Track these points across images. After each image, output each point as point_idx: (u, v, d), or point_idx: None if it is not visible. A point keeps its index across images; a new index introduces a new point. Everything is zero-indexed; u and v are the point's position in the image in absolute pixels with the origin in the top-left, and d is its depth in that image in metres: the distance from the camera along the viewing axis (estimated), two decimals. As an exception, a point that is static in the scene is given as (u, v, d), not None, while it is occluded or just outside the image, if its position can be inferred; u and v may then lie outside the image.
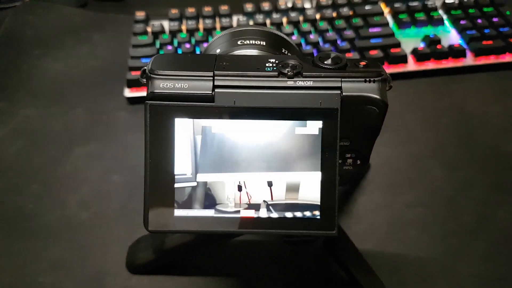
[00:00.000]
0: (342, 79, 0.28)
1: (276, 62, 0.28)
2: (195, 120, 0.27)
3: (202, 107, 0.27)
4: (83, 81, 0.65)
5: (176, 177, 0.27)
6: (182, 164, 0.27)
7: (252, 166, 0.27)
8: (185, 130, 0.27)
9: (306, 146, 0.28)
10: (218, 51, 0.33)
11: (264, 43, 0.33)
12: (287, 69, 0.28)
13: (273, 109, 0.27)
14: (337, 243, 0.42)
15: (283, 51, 0.33)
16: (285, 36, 0.35)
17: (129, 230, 0.46)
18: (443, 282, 0.43)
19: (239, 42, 0.33)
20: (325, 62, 0.28)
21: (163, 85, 0.27)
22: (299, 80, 0.27)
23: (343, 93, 0.27)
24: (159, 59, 0.28)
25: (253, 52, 0.32)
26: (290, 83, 0.27)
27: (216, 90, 0.27)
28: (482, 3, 0.70)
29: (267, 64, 0.28)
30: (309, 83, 0.27)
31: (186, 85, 0.27)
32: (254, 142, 0.27)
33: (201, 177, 0.27)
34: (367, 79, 0.28)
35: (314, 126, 0.27)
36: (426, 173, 0.52)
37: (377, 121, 0.29)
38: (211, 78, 0.27)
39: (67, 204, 0.50)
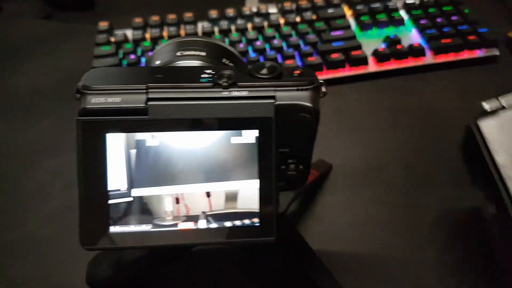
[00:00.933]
0: (276, 89, 0.28)
1: (212, 73, 0.28)
2: (128, 134, 0.27)
3: (135, 120, 0.27)
4: (48, 94, 0.65)
5: (110, 193, 0.27)
6: (116, 179, 0.27)
7: (189, 178, 0.28)
8: (118, 144, 0.27)
9: (243, 155, 0.28)
10: (158, 62, 0.33)
11: (204, 54, 0.33)
12: (222, 80, 0.28)
13: (208, 119, 0.27)
14: (292, 246, 0.42)
15: (223, 61, 0.34)
16: (227, 46, 0.35)
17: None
18: (403, 279, 0.44)
19: (178, 53, 0.33)
20: (261, 72, 0.29)
21: (95, 100, 0.27)
22: (234, 91, 0.28)
23: (277, 102, 0.28)
24: (93, 74, 0.28)
25: (193, 63, 0.33)
26: (225, 93, 0.28)
27: (149, 103, 0.27)
28: (442, 2, 0.70)
29: (202, 75, 0.28)
30: (244, 93, 0.28)
31: (118, 99, 0.27)
32: (190, 153, 0.27)
33: (137, 192, 0.27)
34: (300, 88, 0.28)
35: (250, 135, 0.28)
36: (387, 172, 0.53)
37: (311, 127, 0.29)
38: (145, 91, 0.27)
39: (30, 220, 0.50)
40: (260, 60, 0.65)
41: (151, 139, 0.27)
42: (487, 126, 0.36)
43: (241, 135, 0.28)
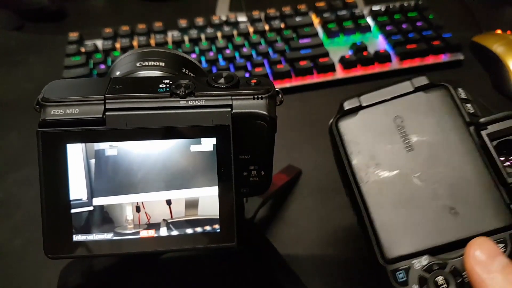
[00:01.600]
0: (233, 97, 0.29)
1: (170, 83, 0.29)
2: (87, 144, 0.27)
3: (93, 130, 0.27)
4: (17, 105, 0.65)
5: (72, 202, 0.27)
6: (77, 189, 0.27)
7: (149, 186, 0.28)
8: (78, 155, 0.27)
9: (202, 163, 0.28)
10: (118, 73, 0.34)
11: (163, 64, 0.34)
12: (180, 90, 0.28)
13: (166, 128, 0.28)
14: (261, 251, 0.43)
15: (183, 71, 0.34)
16: (187, 56, 0.36)
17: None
18: (372, 281, 0.45)
19: (138, 64, 0.34)
20: (219, 82, 0.29)
21: (54, 112, 0.27)
22: (192, 100, 0.28)
23: (234, 111, 0.28)
24: (52, 86, 0.29)
25: (153, 73, 0.33)
26: (182, 103, 0.28)
27: (107, 113, 0.27)
28: (407, 8, 0.72)
29: (160, 85, 0.29)
30: (201, 102, 0.28)
31: (76, 110, 0.27)
32: (149, 162, 0.28)
33: (97, 201, 0.28)
34: (256, 96, 0.29)
35: (208, 143, 0.28)
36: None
37: (268, 135, 0.30)
38: (102, 101, 0.28)
39: (-2, 231, 0.50)
40: (230, 68, 0.66)
41: (110, 148, 0.28)
42: (345, 126, 0.35)
43: (200, 143, 0.28)
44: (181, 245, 0.29)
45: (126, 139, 0.28)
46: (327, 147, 0.57)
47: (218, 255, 0.43)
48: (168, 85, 0.29)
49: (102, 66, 0.65)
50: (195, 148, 0.28)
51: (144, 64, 0.34)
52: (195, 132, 0.28)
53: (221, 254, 0.42)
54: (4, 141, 0.60)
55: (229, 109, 0.28)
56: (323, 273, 0.45)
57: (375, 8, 0.73)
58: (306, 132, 0.59)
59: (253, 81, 0.30)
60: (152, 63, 0.34)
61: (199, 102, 0.28)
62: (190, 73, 0.35)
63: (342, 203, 0.51)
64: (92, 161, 0.28)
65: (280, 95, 0.30)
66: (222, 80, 0.29)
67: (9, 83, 0.69)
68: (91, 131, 0.27)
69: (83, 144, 0.27)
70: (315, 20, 0.72)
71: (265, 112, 0.29)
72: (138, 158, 0.28)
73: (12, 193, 0.54)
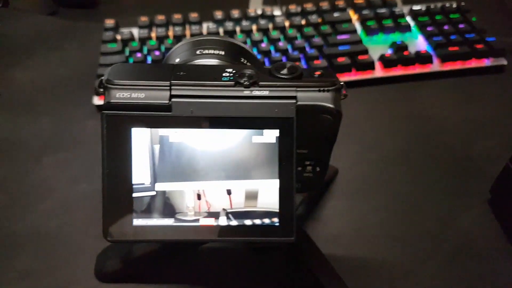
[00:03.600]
0: (297, 89, 0.28)
1: (233, 72, 0.29)
2: (152, 129, 0.27)
3: (159, 116, 0.27)
4: (52, 90, 0.65)
5: (134, 186, 0.27)
6: (140, 173, 0.27)
7: (210, 175, 0.28)
8: (142, 139, 0.27)
9: (263, 155, 0.28)
10: (177, 60, 0.34)
11: (223, 53, 0.33)
12: (243, 79, 0.28)
13: (230, 118, 0.27)
14: (302, 248, 0.42)
15: (242, 60, 0.34)
16: (244, 46, 0.35)
17: (98, 238, 0.45)
18: (407, 285, 0.44)
19: (197, 52, 0.33)
20: (281, 72, 0.29)
21: (120, 95, 0.27)
22: (256, 90, 0.28)
23: (298, 103, 0.28)
24: (116, 69, 0.28)
25: (212, 61, 0.33)
26: (246, 92, 0.28)
27: (173, 99, 0.27)
28: (449, 9, 0.71)
29: (224, 74, 0.28)
30: (265, 93, 0.28)
31: (142, 95, 0.27)
32: (212, 151, 0.28)
33: (160, 186, 0.27)
34: (321, 89, 0.28)
35: (271, 135, 0.28)
36: (391, 178, 0.53)
37: (332, 129, 0.29)
38: (168, 87, 0.27)
39: (34, 213, 0.50)
40: (265, 62, 0.65)
41: (174, 135, 0.27)
42: None
43: (262, 135, 0.28)
44: (239, 236, 0.28)
45: (190, 127, 0.27)
46: (363, 147, 0.57)
47: (259, 249, 0.42)
48: (232, 74, 0.28)
49: (139, 55, 0.65)
50: (256, 139, 0.28)
51: (204, 52, 0.33)
52: (259, 123, 0.28)
53: (263, 249, 0.42)
54: (38, 126, 0.60)
55: (294, 101, 0.28)
56: (359, 274, 0.45)
57: (416, 8, 0.72)
58: (343, 131, 0.58)
59: (317, 72, 0.29)
60: (212, 51, 0.33)
61: (263, 92, 0.28)
62: (248, 63, 0.34)
63: (377, 205, 0.50)
64: (156, 146, 0.27)
65: (343, 89, 0.30)
66: (285, 71, 0.29)
67: (44, 68, 0.69)
68: (157, 116, 0.27)
69: (149, 129, 0.27)
70: (353, 17, 0.71)
71: (331, 105, 0.28)
72: (201, 146, 0.28)
73: (46, 177, 0.54)
